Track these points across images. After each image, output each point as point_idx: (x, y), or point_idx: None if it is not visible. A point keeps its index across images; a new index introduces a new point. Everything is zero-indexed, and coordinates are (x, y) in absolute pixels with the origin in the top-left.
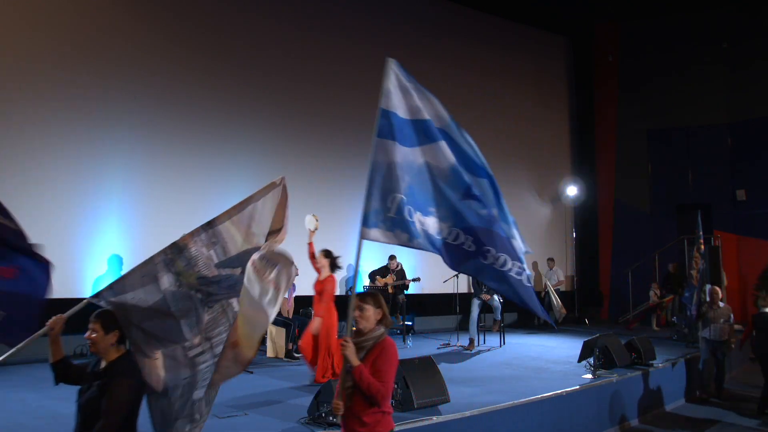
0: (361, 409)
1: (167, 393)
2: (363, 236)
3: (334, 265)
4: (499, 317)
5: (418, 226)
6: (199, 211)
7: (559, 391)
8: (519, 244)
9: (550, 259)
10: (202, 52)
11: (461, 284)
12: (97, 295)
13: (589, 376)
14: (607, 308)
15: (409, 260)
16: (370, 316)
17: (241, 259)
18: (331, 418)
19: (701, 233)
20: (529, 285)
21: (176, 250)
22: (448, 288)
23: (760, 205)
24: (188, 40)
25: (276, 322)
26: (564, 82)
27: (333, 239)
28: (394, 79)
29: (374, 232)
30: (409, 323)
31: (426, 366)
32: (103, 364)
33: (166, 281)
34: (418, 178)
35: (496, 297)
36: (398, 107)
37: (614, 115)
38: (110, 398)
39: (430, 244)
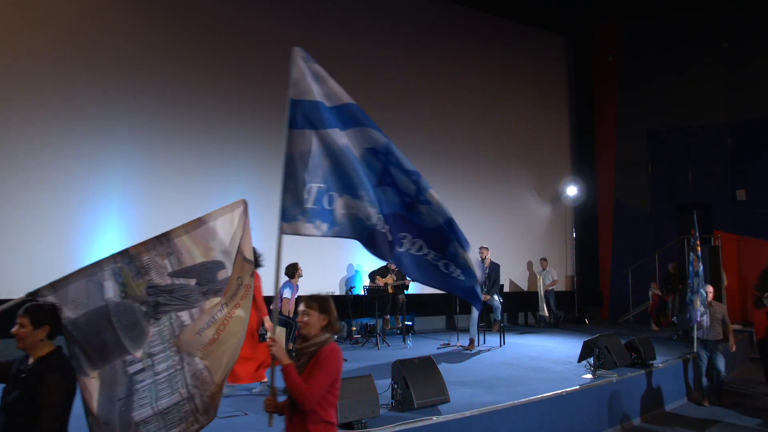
0: (302, 417)
1: (103, 417)
2: (282, 231)
3: (257, 264)
4: (499, 317)
5: (339, 212)
6: (199, 212)
7: (559, 391)
8: (445, 232)
9: (543, 259)
10: (202, 52)
11: None
12: (35, 293)
13: (589, 376)
14: (607, 308)
15: None
16: (313, 322)
17: (197, 270)
18: None
19: (698, 234)
20: (447, 272)
21: (127, 258)
22: None
23: (760, 205)
24: (188, 40)
25: (278, 322)
26: (564, 82)
27: (331, 240)
28: (303, 66)
29: (293, 226)
30: (409, 323)
31: (426, 366)
32: (31, 360)
33: (111, 291)
34: (342, 161)
35: (496, 297)
36: (311, 93)
37: (614, 115)
38: (45, 396)
39: (354, 231)
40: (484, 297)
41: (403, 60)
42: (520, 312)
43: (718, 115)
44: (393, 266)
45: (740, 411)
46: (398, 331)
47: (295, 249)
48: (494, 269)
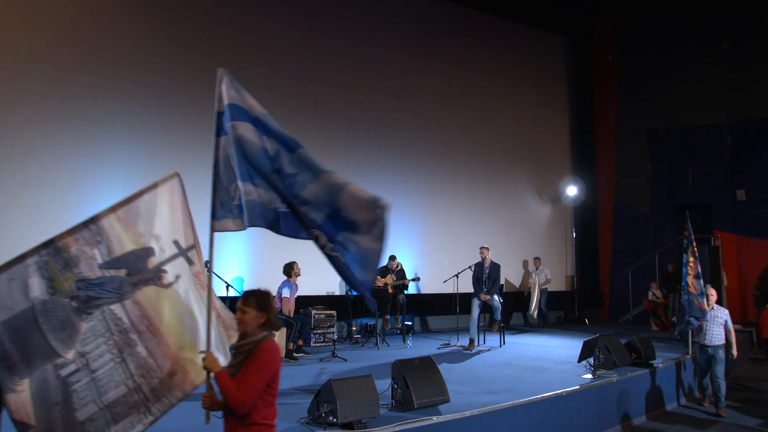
0: (236, 417)
1: (44, 425)
2: (213, 229)
3: None
4: (499, 317)
5: (245, 198)
6: (198, 212)
7: (559, 391)
8: (328, 227)
9: (537, 258)
10: (202, 52)
11: (461, 284)
12: None
13: (589, 376)
14: (607, 308)
15: (409, 260)
16: (250, 320)
17: (127, 260)
18: (331, 418)
19: (692, 236)
20: (344, 262)
21: (53, 250)
22: (448, 288)
23: (760, 205)
24: (188, 40)
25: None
26: (564, 82)
27: None
28: (228, 82)
29: (223, 223)
30: (409, 323)
31: (426, 366)
32: None
33: (37, 288)
34: (243, 150)
35: (496, 297)
36: (234, 99)
37: (614, 115)
38: None
39: (257, 218)
40: (483, 297)
41: (403, 60)
42: (520, 312)
43: (718, 115)
44: (393, 266)
45: (740, 411)
46: (398, 331)
47: (295, 248)
48: (494, 269)
